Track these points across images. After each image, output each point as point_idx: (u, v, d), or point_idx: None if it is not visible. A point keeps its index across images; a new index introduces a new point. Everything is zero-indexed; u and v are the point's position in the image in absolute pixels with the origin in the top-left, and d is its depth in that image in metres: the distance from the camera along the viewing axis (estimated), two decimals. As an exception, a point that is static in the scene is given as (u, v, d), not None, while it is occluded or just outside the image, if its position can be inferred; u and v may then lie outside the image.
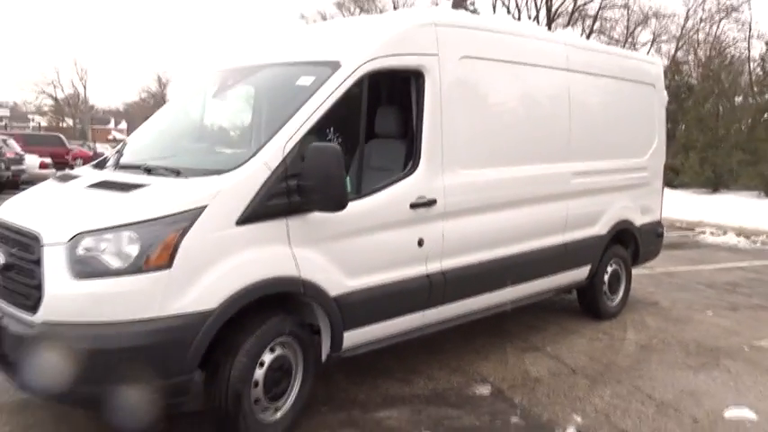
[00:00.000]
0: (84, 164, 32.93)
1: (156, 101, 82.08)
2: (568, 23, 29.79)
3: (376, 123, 3.86)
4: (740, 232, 11.17)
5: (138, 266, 2.72)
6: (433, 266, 3.85)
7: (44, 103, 69.62)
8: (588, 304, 5.58)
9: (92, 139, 55.55)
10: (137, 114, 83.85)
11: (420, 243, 3.74)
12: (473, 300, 4.18)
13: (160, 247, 2.74)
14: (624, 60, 5.82)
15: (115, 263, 2.73)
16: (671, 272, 7.83)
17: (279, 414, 3.24)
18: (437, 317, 3.99)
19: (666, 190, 7.33)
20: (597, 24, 30.32)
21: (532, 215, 4.58)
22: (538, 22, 29.61)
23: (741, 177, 18.65)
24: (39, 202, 3.43)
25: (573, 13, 29.68)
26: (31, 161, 17.93)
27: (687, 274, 7.83)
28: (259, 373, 3.08)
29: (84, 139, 52.99)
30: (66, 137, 29.33)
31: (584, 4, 29.41)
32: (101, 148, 44.96)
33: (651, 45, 30.33)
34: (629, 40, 30.46)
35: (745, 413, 3.69)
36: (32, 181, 18.21)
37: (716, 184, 18.86)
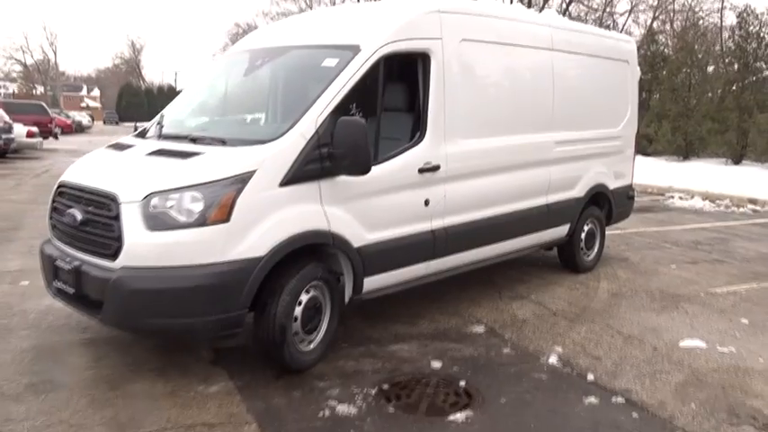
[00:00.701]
0: (63, 132, 32.32)
1: (129, 67, 79.88)
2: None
3: (389, 99, 4.40)
4: (706, 197, 12.00)
5: (202, 220, 3.28)
6: (437, 223, 4.46)
7: (12, 70, 67.90)
8: (567, 259, 6.27)
9: (63, 107, 54.58)
10: (109, 81, 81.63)
11: (426, 203, 4.35)
12: (470, 252, 4.82)
13: (220, 203, 3.30)
14: (601, 39, 6.41)
15: (183, 217, 3.29)
16: (641, 232, 8.59)
17: (312, 345, 3.86)
18: (439, 267, 4.61)
19: (640, 157, 7.96)
20: (577, -6, 30.66)
21: (520, 179, 5.21)
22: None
23: (710, 145, 19.55)
24: (106, 167, 3.93)
25: (553, -19, 29.98)
26: (19, 130, 18.02)
27: (656, 234, 8.60)
28: (298, 310, 3.68)
29: (56, 106, 52.04)
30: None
31: (565, -28, 29.65)
32: (78, 116, 44.42)
33: (629, 14, 30.83)
34: (608, 9, 30.90)
35: (697, 343, 4.43)
36: (20, 149, 18.38)
37: (686, 151, 19.71)
